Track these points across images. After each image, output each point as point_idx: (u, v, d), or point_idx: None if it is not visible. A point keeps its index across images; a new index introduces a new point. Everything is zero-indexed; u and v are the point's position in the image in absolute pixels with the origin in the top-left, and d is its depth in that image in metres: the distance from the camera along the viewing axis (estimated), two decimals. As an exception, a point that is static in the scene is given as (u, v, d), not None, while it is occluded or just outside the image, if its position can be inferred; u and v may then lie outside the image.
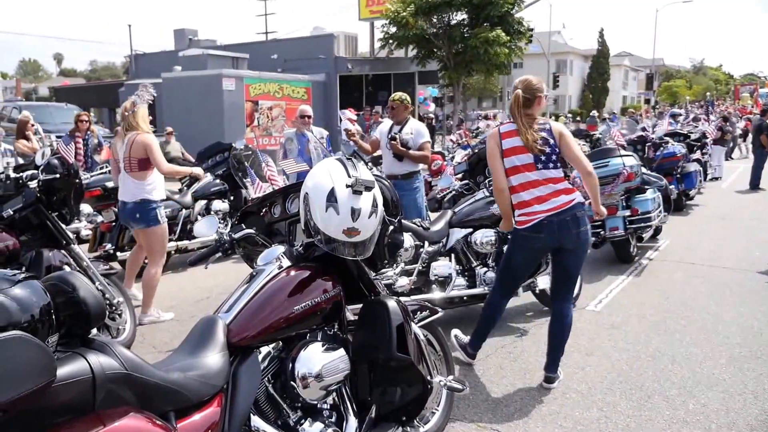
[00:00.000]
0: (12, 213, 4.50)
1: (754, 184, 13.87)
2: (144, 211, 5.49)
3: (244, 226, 2.98)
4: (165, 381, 1.97)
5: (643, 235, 7.95)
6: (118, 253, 6.92)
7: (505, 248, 5.42)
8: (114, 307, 4.93)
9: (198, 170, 6.34)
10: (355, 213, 2.51)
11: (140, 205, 5.47)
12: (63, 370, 1.68)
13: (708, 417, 3.73)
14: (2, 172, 5.09)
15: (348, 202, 2.50)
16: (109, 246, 6.89)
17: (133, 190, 5.46)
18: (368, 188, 2.55)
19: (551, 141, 4.00)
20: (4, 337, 1.52)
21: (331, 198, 2.50)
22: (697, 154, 12.07)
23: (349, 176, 2.55)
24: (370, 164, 6.43)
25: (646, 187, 7.49)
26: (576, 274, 4.18)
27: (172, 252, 7.32)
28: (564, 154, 4.05)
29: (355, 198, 2.51)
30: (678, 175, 10.70)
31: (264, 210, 3.27)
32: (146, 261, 5.85)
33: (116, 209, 7.25)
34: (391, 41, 24.27)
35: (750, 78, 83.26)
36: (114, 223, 7.18)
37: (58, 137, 12.70)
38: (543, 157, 3.99)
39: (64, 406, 1.70)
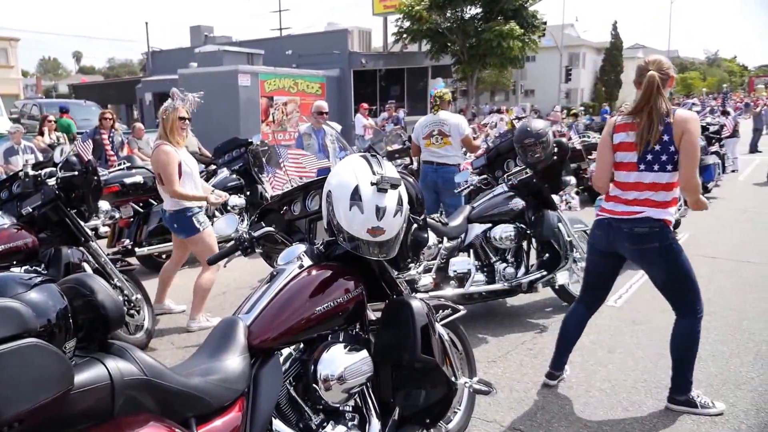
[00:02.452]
0: (31, 210, 4.51)
1: None
2: (181, 220, 5.23)
3: (263, 224, 2.92)
4: (185, 386, 1.92)
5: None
6: (136, 249, 6.93)
7: (524, 243, 5.39)
8: (132, 304, 4.92)
9: (212, 198, 5.40)
10: (380, 211, 2.44)
11: (177, 215, 5.23)
12: (81, 377, 1.64)
13: (737, 417, 3.65)
14: (21, 170, 5.10)
15: (373, 200, 2.44)
16: (127, 242, 6.91)
17: (169, 199, 5.22)
18: (394, 186, 2.48)
19: (665, 137, 3.43)
20: (19, 346, 1.47)
21: (356, 196, 2.44)
22: (716, 147, 11.92)
23: (374, 174, 2.48)
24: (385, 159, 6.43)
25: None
26: (670, 290, 3.70)
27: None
28: (680, 155, 3.44)
29: (380, 196, 2.45)
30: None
31: (284, 208, 3.22)
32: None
33: (134, 204, 7.30)
34: (404, 36, 24.26)
35: (764, 70, 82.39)
36: (132, 219, 7.20)
37: (78, 133, 12.82)
38: (648, 156, 3.49)
39: (83, 413, 1.66)
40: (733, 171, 14.23)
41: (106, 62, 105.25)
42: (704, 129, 11.80)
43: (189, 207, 5.22)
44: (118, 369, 1.73)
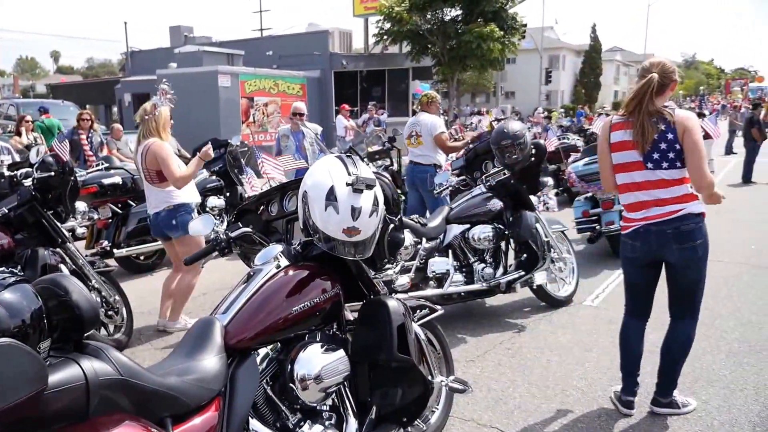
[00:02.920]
0: (7, 211, 4.45)
1: (747, 178, 13.89)
2: (181, 215, 5.11)
3: (240, 225, 2.93)
4: (161, 386, 1.93)
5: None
6: (115, 250, 6.89)
7: (502, 244, 5.43)
8: (110, 305, 4.90)
9: (206, 150, 5.18)
10: (355, 212, 2.46)
11: (175, 211, 5.11)
12: (55, 377, 1.64)
13: (710, 413, 3.71)
14: (-2, 171, 5.06)
15: (348, 200, 2.46)
16: (106, 243, 6.86)
17: (164, 197, 5.10)
18: (369, 186, 2.50)
19: (669, 136, 3.37)
20: None
21: (331, 196, 2.46)
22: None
23: (350, 174, 2.50)
24: (366, 160, 6.44)
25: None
26: (691, 292, 3.60)
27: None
28: (685, 154, 3.39)
29: (356, 196, 2.47)
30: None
31: (261, 208, 3.23)
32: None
33: (113, 206, 7.23)
34: (385, 37, 24.32)
35: (741, 72, 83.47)
36: (110, 220, 7.15)
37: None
38: (656, 155, 3.41)
39: (57, 413, 1.66)
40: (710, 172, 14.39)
41: (85, 62, 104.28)
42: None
43: (185, 204, 5.15)
44: (93, 369, 1.73)
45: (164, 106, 5.10)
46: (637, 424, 3.64)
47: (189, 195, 5.23)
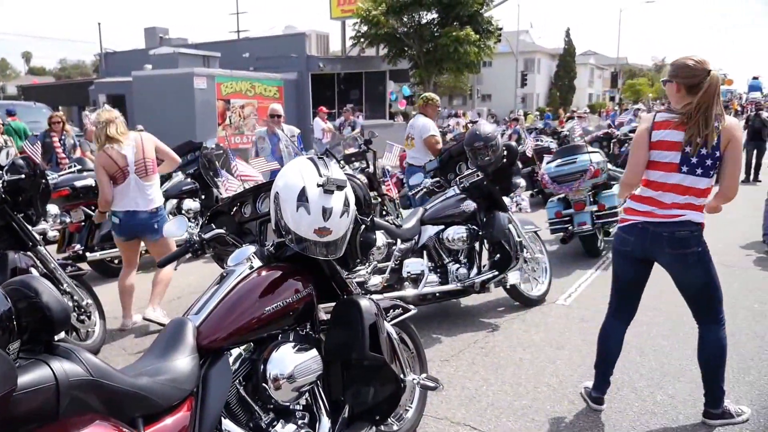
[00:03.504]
0: (-25, 215, 4.41)
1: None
2: (161, 218, 5.24)
3: (214, 226, 2.95)
4: (133, 386, 1.94)
5: (610, 230, 8.03)
6: (88, 254, 6.83)
7: (476, 244, 5.49)
8: (83, 309, 4.87)
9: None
10: (326, 212, 2.49)
11: (157, 214, 5.24)
12: (25, 378, 1.65)
13: (675, 408, 3.79)
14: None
15: (319, 201, 2.49)
16: (78, 247, 6.79)
17: (146, 197, 5.18)
18: (340, 187, 2.54)
19: (714, 142, 3.26)
20: None
21: (302, 197, 2.49)
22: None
23: (321, 175, 2.53)
24: (342, 163, 6.48)
25: (612, 182, 7.63)
26: (700, 297, 3.56)
27: (143, 252, 7.22)
28: (725, 163, 3.34)
29: (327, 197, 2.50)
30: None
31: (234, 209, 3.25)
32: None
33: (85, 208, 7.16)
34: (362, 40, 24.36)
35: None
36: (83, 223, 7.08)
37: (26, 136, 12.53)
38: (694, 160, 3.31)
39: (27, 414, 1.66)
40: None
41: (58, 63, 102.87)
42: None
43: (162, 207, 5.30)
44: (64, 370, 1.74)
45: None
46: (607, 418, 3.71)
47: (161, 198, 5.35)
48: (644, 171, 3.46)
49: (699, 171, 3.31)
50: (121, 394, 1.89)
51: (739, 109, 33.33)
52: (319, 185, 2.50)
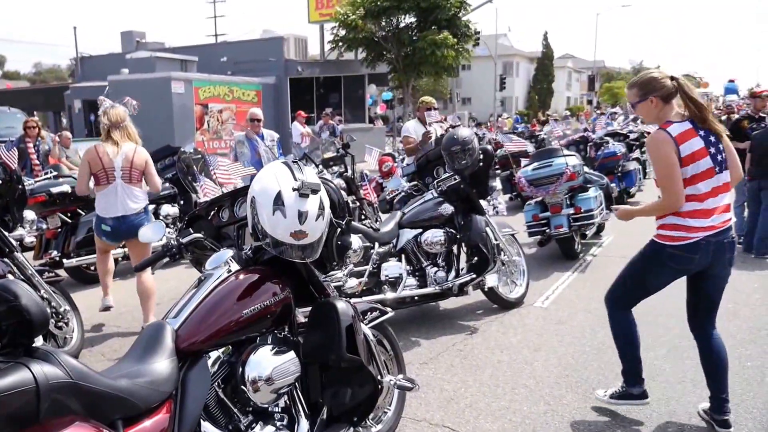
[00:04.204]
0: (-49, 221, 4.38)
1: None
2: (148, 217, 5.35)
3: (192, 231, 2.97)
4: (112, 389, 1.96)
5: (587, 233, 8.16)
6: (65, 260, 6.78)
7: (454, 247, 5.53)
8: (60, 316, 4.85)
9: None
10: (302, 216, 2.54)
11: (145, 213, 5.33)
12: (5, 381, 1.67)
13: (649, 406, 3.85)
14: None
15: (295, 205, 2.54)
16: (54, 253, 6.75)
17: (133, 200, 5.22)
18: (314, 191, 2.59)
19: (711, 138, 3.37)
20: None
21: (278, 201, 2.53)
22: (636, 153, 12.41)
23: (296, 179, 2.58)
24: (320, 167, 6.50)
25: (589, 185, 7.74)
26: (720, 297, 3.61)
27: (120, 258, 7.19)
28: (728, 154, 3.42)
29: (302, 201, 2.55)
30: (619, 174, 11.05)
31: (212, 214, 3.27)
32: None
33: (62, 215, 7.10)
34: (340, 44, 24.35)
35: (686, 79, 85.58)
36: (60, 230, 7.03)
37: (1, 142, 12.37)
38: (719, 157, 3.35)
39: (7, 417, 1.68)
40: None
41: (32, 67, 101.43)
42: (625, 136, 12.28)
43: (147, 204, 5.36)
44: (43, 372, 1.76)
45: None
46: (582, 417, 3.77)
47: (146, 198, 5.44)
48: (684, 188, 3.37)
49: (725, 166, 3.38)
50: (100, 396, 1.91)
51: (715, 112, 33.79)
52: (294, 189, 2.55)
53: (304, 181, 2.57)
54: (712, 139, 3.34)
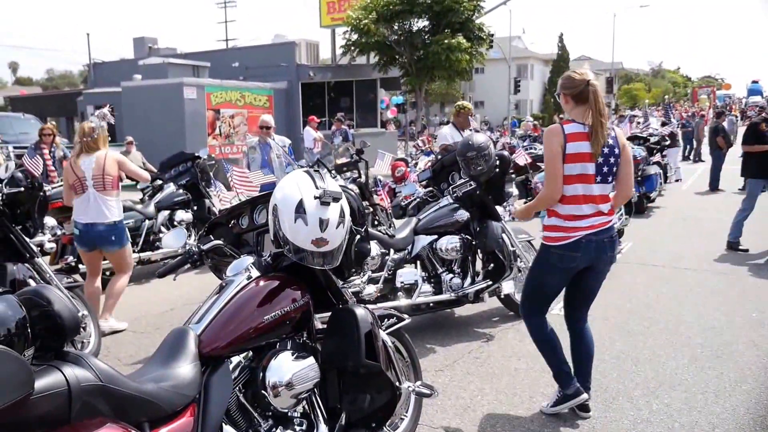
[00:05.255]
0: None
1: (713, 186, 14.19)
2: (118, 231, 5.49)
3: (212, 238, 2.99)
4: (139, 392, 2.00)
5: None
6: (80, 266, 6.82)
7: (470, 254, 5.50)
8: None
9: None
10: (323, 223, 2.57)
11: (114, 227, 5.44)
12: (39, 383, 1.70)
13: (671, 416, 3.83)
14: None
15: (316, 213, 2.57)
16: (70, 258, 6.79)
17: (105, 210, 5.38)
18: (336, 199, 2.62)
19: (616, 150, 3.54)
20: None
21: (300, 209, 2.56)
22: (657, 157, 12.31)
23: (317, 188, 2.61)
24: (334, 173, 6.52)
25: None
26: (596, 293, 3.89)
27: (136, 263, 7.22)
28: (620, 168, 3.61)
29: (323, 209, 2.58)
30: (639, 178, 10.90)
31: (232, 221, 3.29)
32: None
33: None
34: (352, 48, 24.36)
35: (707, 80, 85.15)
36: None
37: (15, 147, 12.44)
38: (605, 169, 3.53)
39: (40, 418, 1.72)
40: (677, 180, 14.63)
41: (45, 73, 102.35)
42: (645, 140, 12.19)
43: (121, 219, 5.52)
44: (75, 375, 1.80)
45: (102, 126, 5.48)
46: (602, 427, 3.74)
47: (121, 212, 5.57)
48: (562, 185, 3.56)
49: (610, 179, 3.57)
50: (128, 399, 1.95)
51: (738, 114, 33.41)
52: (316, 197, 2.58)
53: (326, 190, 2.60)
54: (606, 150, 3.49)
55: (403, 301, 5.12)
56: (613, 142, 3.54)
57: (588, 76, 3.55)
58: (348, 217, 2.72)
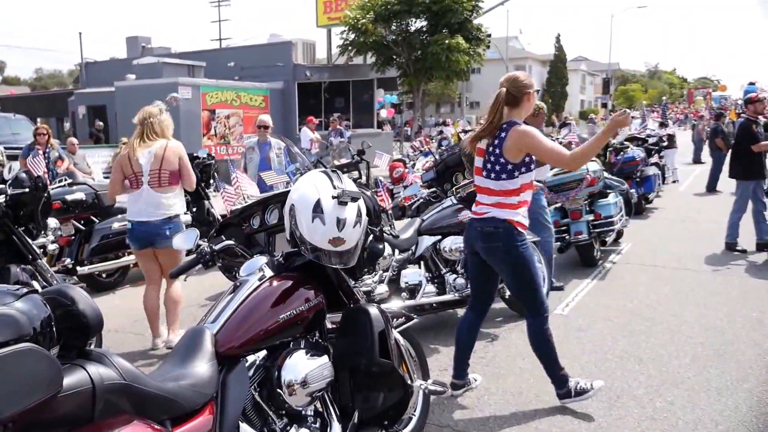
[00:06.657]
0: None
1: (711, 187, 14.21)
2: (176, 226, 5.02)
3: (223, 238, 3.00)
4: (161, 390, 2.01)
5: (606, 239, 8.14)
6: (78, 268, 6.80)
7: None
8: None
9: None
10: (340, 223, 2.59)
11: (171, 221, 5.02)
12: (65, 381, 1.71)
13: (675, 414, 3.86)
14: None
15: (333, 212, 2.59)
16: (68, 261, 6.77)
17: (160, 206, 4.99)
18: (354, 199, 2.64)
19: (497, 150, 3.75)
20: (17, 350, 1.56)
21: (318, 209, 2.59)
22: (655, 158, 12.34)
23: (335, 188, 2.63)
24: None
25: (608, 191, 7.69)
26: (515, 287, 4.06)
27: (134, 264, 7.19)
28: (538, 158, 3.83)
29: (341, 208, 2.60)
30: (637, 179, 10.93)
31: (243, 222, 3.30)
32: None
33: (75, 222, 7.11)
34: (350, 48, 24.31)
35: (703, 82, 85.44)
36: (73, 237, 7.05)
37: (7, 148, 12.37)
38: (488, 165, 3.81)
39: (65, 417, 1.73)
40: (674, 182, 14.63)
41: (33, 73, 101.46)
42: (643, 141, 12.22)
43: (179, 215, 5.10)
44: (99, 374, 1.82)
45: (168, 111, 5.25)
46: (608, 425, 3.76)
47: (183, 206, 5.21)
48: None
49: (492, 175, 3.80)
50: (150, 397, 1.96)
51: (735, 117, 33.42)
52: (333, 197, 2.60)
53: (345, 189, 2.62)
54: (491, 148, 3.79)
55: (407, 302, 5.11)
56: (498, 142, 3.79)
57: (506, 81, 3.96)
58: (365, 217, 2.74)
